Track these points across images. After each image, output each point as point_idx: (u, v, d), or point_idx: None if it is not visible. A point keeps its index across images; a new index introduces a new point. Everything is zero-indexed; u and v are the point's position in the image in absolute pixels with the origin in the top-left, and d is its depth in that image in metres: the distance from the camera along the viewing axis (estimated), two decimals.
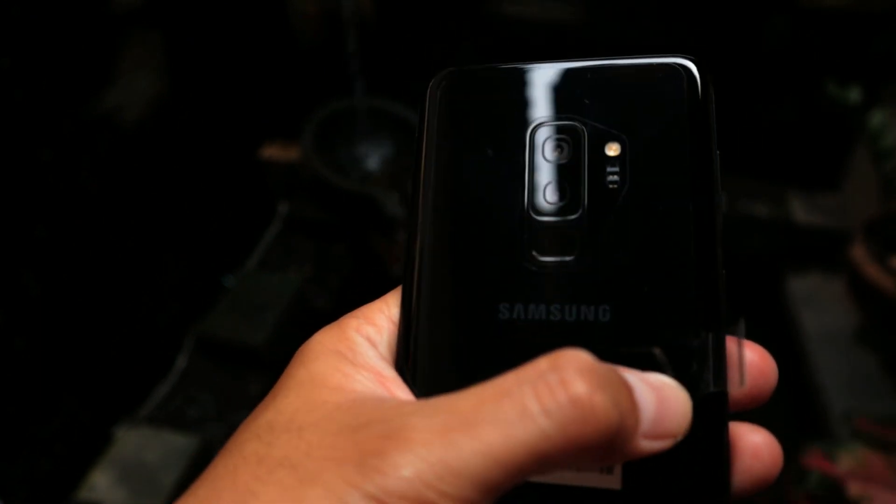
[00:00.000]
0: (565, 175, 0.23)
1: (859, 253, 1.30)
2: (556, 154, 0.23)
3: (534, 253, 0.22)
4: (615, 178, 0.22)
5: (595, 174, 0.23)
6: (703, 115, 0.22)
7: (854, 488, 0.89)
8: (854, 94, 1.23)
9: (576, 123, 0.23)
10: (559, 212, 0.22)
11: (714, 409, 0.20)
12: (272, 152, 1.59)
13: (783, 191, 1.55)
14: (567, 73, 0.24)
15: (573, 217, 0.22)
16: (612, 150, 0.23)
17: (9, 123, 1.02)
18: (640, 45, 1.74)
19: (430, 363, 0.22)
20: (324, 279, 1.48)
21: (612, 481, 0.20)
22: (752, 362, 0.22)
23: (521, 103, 0.24)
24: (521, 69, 0.24)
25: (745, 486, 0.21)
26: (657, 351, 0.20)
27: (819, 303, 1.38)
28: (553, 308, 0.22)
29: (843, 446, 0.96)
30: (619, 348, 0.20)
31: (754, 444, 0.21)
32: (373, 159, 1.59)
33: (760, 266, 1.53)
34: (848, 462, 0.93)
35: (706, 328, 0.20)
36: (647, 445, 0.19)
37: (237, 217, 1.58)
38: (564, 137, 0.23)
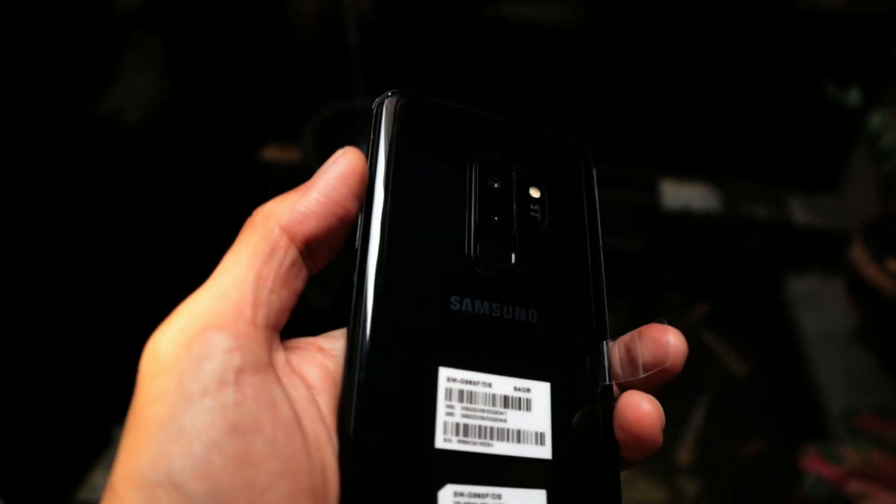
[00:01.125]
0: (501, 201, 0.29)
1: (858, 254, 1.30)
2: (493, 184, 0.29)
3: (480, 259, 0.27)
4: (536, 214, 0.29)
5: (522, 205, 0.29)
6: (590, 179, 0.31)
7: (854, 486, 0.89)
8: (853, 95, 1.23)
9: (508, 163, 0.30)
10: (499, 229, 0.28)
11: (606, 396, 0.26)
12: (272, 154, 1.59)
13: (782, 191, 1.55)
14: (501, 124, 0.30)
15: (509, 234, 0.28)
16: (534, 191, 0.29)
17: (9, 124, 1.02)
18: (638, 45, 1.74)
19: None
20: (324, 280, 1.48)
21: (544, 452, 0.25)
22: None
23: (464, 139, 0.29)
24: (467, 111, 0.30)
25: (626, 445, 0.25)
26: (566, 353, 0.27)
27: (818, 303, 1.39)
28: (494, 306, 0.27)
29: (852, 443, 0.95)
30: (542, 346, 0.26)
31: (634, 407, 0.25)
32: None
33: (760, 267, 1.53)
34: (855, 459, 0.92)
35: (599, 337, 0.27)
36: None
37: (238, 218, 1.58)
38: (499, 172, 0.29)
